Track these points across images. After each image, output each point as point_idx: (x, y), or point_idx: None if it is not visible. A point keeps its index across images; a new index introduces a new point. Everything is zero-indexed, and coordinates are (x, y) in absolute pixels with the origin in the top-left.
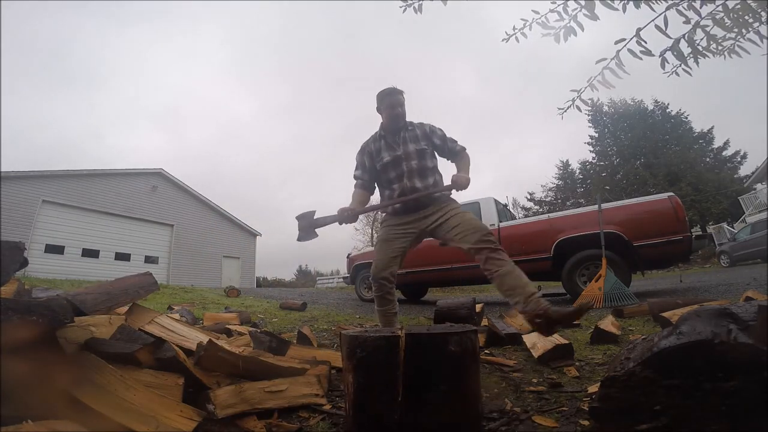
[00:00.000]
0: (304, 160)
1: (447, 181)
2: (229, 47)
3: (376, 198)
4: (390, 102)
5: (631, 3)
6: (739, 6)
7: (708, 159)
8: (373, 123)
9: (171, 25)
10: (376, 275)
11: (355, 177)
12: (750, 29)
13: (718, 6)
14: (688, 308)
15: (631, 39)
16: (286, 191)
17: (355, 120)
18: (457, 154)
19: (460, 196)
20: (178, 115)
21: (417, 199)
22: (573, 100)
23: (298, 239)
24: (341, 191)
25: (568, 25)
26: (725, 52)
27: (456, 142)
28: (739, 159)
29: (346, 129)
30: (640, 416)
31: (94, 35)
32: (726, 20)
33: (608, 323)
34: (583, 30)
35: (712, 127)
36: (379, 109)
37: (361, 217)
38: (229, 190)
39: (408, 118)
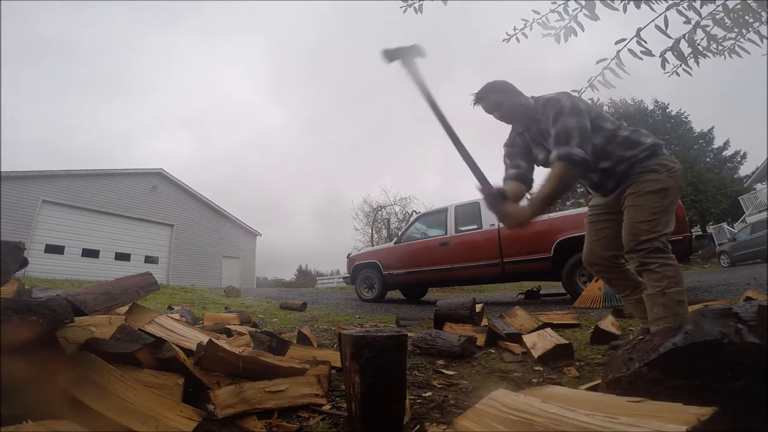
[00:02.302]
0: (322, 165)
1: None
2: (263, 54)
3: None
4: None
5: (631, 3)
6: (739, 6)
7: (708, 159)
8: (383, 128)
9: (215, 33)
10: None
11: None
12: (750, 29)
13: (718, 6)
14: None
15: (632, 39)
16: (302, 194)
17: (370, 128)
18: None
19: (458, 197)
20: (207, 122)
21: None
22: None
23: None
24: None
25: (569, 25)
26: (725, 52)
27: (559, 141)
28: (739, 159)
29: (362, 135)
30: None
31: (135, 39)
32: (726, 20)
33: (608, 323)
34: (583, 30)
35: (712, 127)
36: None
37: (361, 216)
38: (247, 196)
39: (415, 127)
